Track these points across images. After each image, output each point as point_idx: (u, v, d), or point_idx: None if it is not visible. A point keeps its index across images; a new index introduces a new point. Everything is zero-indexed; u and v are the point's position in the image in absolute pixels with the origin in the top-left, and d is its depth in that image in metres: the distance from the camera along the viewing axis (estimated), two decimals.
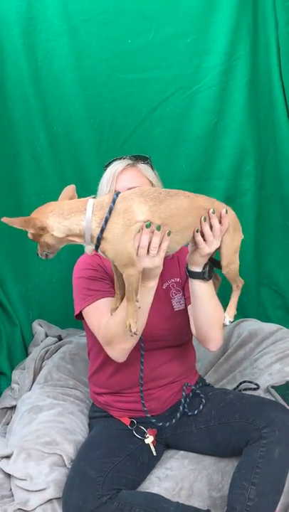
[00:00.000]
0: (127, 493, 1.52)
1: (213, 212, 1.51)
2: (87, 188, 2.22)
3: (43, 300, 2.63)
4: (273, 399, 1.91)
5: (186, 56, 2.39)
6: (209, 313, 1.67)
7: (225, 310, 1.68)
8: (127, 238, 1.40)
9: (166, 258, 1.52)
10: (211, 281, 1.67)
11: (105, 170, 1.79)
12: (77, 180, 2.50)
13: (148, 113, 2.45)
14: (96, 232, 1.40)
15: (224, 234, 1.55)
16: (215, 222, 1.52)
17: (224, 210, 1.53)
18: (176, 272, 1.84)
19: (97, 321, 1.67)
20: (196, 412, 1.75)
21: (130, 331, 1.47)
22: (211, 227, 1.52)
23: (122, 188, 1.67)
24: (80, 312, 1.74)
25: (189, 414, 1.75)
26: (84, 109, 2.42)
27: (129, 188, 1.58)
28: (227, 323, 1.67)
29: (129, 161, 1.76)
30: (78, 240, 1.44)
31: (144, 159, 1.79)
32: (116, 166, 1.74)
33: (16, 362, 2.48)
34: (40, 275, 2.60)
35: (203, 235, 1.52)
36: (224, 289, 1.73)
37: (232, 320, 1.67)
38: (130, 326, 1.47)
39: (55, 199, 2.51)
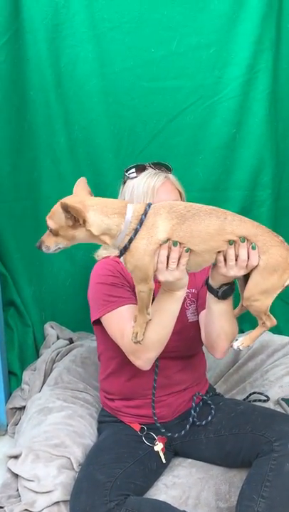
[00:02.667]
0: (135, 500, 1.52)
1: (242, 241, 1.42)
2: (104, 194, 2.25)
3: (55, 302, 2.64)
4: (283, 411, 1.91)
5: (208, 66, 2.40)
6: (219, 327, 1.66)
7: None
8: (148, 256, 1.40)
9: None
10: (227, 300, 1.62)
11: (128, 176, 1.79)
12: (95, 184, 2.49)
13: (168, 122, 2.45)
14: (125, 240, 1.40)
15: (254, 269, 1.46)
16: (241, 251, 1.43)
17: (252, 246, 1.43)
18: (192, 282, 1.80)
19: (119, 329, 1.64)
20: (203, 422, 1.75)
21: (135, 338, 1.50)
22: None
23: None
24: (98, 318, 1.72)
25: (197, 423, 1.75)
26: (104, 116, 2.43)
27: None
28: (234, 347, 1.59)
29: (162, 174, 1.77)
30: (108, 241, 1.42)
31: (169, 169, 1.82)
32: (154, 180, 1.73)
33: (27, 363, 2.49)
34: (54, 277, 2.61)
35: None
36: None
37: (241, 349, 1.59)
38: (137, 334, 1.50)
39: None
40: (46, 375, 2.29)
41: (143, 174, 1.76)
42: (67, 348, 2.44)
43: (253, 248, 1.43)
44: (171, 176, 1.80)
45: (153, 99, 2.43)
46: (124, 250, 1.41)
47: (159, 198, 1.70)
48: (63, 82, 2.39)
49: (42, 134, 2.45)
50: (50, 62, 2.36)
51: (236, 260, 1.44)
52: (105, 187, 2.45)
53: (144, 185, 1.73)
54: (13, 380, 2.45)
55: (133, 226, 1.39)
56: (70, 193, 2.49)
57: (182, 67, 2.40)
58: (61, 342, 2.49)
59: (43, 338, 2.59)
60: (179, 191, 1.80)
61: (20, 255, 2.50)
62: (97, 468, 1.58)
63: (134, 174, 1.78)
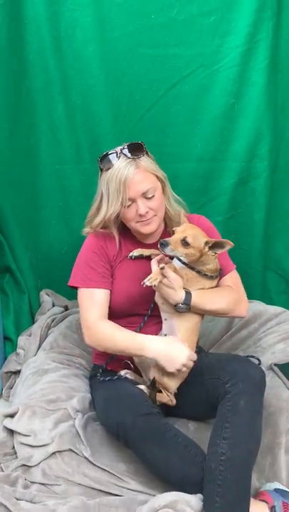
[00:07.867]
0: None
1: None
2: None
3: (51, 270, 2.64)
4: (277, 377, 1.93)
5: (208, 35, 2.38)
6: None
7: None
8: None
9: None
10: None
11: (103, 167, 1.74)
12: (91, 153, 2.53)
13: (167, 90, 2.44)
14: None
15: None
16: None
17: None
18: None
19: (87, 308, 1.80)
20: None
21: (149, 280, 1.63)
22: None
23: (136, 195, 1.71)
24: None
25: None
26: (103, 83, 2.41)
27: (144, 193, 1.69)
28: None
29: (133, 162, 1.70)
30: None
31: (141, 151, 1.73)
32: (122, 173, 1.69)
33: (22, 329, 2.50)
34: (50, 245, 2.62)
35: None
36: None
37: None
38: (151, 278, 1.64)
39: (70, 171, 2.54)
40: (42, 340, 2.31)
41: (113, 168, 1.70)
42: (62, 314, 2.46)
43: None
44: (142, 161, 1.73)
45: (152, 66, 2.40)
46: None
47: (133, 192, 1.70)
48: (62, 46, 2.36)
49: (40, 100, 2.42)
50: (49, 26, 2.33)
51: None
52: None
53: (116, 182, 1.69)
54: (8, 345, 2.47)
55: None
56: (67, 160, 2.52)
57: (182, 34, 2.37)
58: (57, 309, 2.51)
59: (38, 304, 2.60)
60: (155, 174, 1.76)
61: (16, 221, 2.50)
62: (118, 398, 1.66)
63: (106, 165, 1.73)
